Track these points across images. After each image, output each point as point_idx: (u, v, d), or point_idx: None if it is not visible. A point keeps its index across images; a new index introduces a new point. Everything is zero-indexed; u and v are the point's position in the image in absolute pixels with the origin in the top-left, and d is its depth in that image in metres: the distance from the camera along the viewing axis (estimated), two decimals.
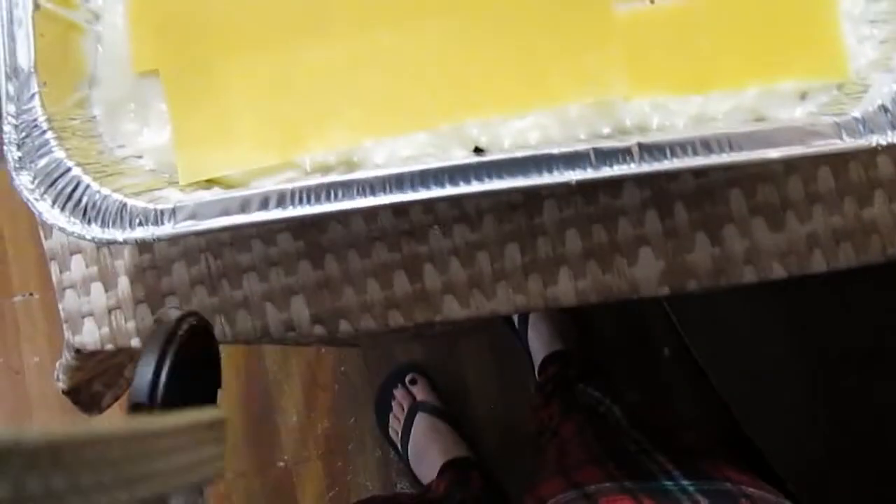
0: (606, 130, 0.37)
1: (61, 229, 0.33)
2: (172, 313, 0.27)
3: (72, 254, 0.42)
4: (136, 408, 0.25)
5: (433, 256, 0.41)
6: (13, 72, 0.34)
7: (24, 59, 0.34)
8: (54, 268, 0.42)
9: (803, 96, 0.37)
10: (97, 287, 0.42)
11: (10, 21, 0.34)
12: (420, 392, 1.07)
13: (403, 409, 1.07)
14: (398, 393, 1.08)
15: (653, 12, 0.37)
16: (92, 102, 0.36)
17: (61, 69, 0.35)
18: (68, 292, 0.42)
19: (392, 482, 1.11)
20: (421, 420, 1.05)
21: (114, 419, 0.19)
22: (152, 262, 0.41)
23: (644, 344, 1.07)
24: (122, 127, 0.37)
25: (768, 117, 0.37)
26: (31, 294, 1.19)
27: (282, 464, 1.11)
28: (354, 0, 0.36)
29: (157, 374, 0.25)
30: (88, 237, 0.32)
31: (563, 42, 0.35)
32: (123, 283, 0.41)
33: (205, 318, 0.28)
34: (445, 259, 0.41)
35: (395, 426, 1.07)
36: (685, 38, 0.36)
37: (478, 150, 0.36)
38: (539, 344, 1.03)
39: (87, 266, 0.42)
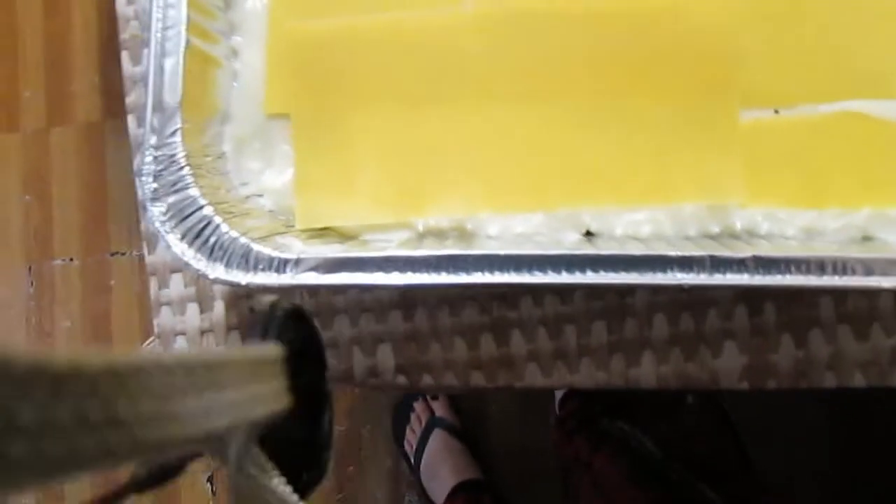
0: (716, 230, 0.37)
1: (187, 265, 0.34)
2: (266, 300, 0.27)
3: (172, 272, 0.43)
4: None
5: (522, 323, 0.42)
6: (158, 105, 0.35)
7: (171, 93, 0.35)
8: (153, 283, 0.43)
9: None
10: (193, 308, 0.43)
11: (162, 53, 0.36)
12: (440, 408, 1.07)
13: (421, 423, 1.07)
14: (418, 406, 1.08)
15: (776, 123, 0.37)
16: (223, 139, 0.38)
17: (200, 105, 0.36)
18: (164, 309, 0.43)
19: (401, 494, 1.12)
20: (437, 436, 1.05)
21: None
22: (248, 292, 0.43)
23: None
24: (247, 164, 0.38)
25: (876, 238, 0.37)
26: (70, 259, 1.21)
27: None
28: (491, 75, 0.37)
29: None
30: (212, 276, 0.33)
31: (688, 144, 0.36)
32: (219, 307, 0.43)
33: (298, 304, 0.27)
34: (534, 328, 0.42)
35: (410, 439, 1.08)
36: (805, 153, 0.37)
37: (588, 234, 0.37)
38: None
39: (185, 286, 0.43)
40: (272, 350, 0.24)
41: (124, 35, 0.46)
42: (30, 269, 1.20)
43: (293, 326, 0.26)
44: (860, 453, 0.94)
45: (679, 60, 0.37)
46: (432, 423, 1.06)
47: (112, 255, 1.19)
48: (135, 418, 0.15)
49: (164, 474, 0.21)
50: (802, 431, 0.95)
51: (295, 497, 0.22)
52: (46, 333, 1.20)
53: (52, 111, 1.22)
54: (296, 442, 0.25)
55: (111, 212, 1.20)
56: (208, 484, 1.08)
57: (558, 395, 1.02)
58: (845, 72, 0.37)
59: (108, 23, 1.21)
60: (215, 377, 0.19)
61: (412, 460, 1.06)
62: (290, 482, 0.23)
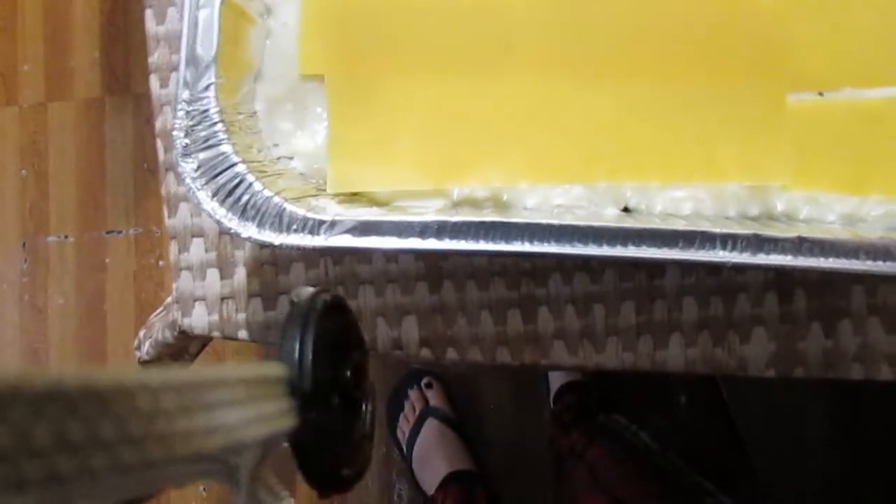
0: (755, 212, 0.37)
1: (218, 222, 0.33)
2: (306, 291, 0.26)
3: (193, 236, 0.42)
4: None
5: (550, 300, 0.41)
6: (192, 58, 0.34)
7: (206, 48, 0.34)
8: (174, 247, 0.42)
9: None
10: (213, 273, 0.42)
11: (196, 5, 0.34)
12: (434, 397, 1.07)
13: (415, 411, 1.07)
14: (412, 394, 1.08)
15: (823, 106, 0.37)
16: (255, 98, 0.37)
17: (234, 61, 0.35)
18: (184, 273, 0.42)
19: (392, 482, 1.11)
20: (430, 425, 1.05)
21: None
22: (272, 259, 0.42)
23: (661, 388, 1.07)
24: (279, 125, 0.37)
25: None
26: (66, 237, 1.19)
27: (286, 444, 1.11)
28: (538, 46, 0.36)
29: (302, 351, 0.24)
30: (244, 235, 0.33)
31: (736, 125, 0.35)
32: (240, 273, 0.42)
33: (339, 294, 0.27)
34: (562, 305, 0.41)
35: (403, 427, 1.07)
36: (850, 138, 0.36)
37: (626, 210, 0.37)
38: (557, 372, 1.03)
39: (206, 251, 0.42)
40: (273, 368, 0.23)
41: None
42: (24, 244, 1.19)
43: (333, 318, 0.26)
44: (862, 454, 0.94)
45: (729, 40, 0.36)
46: (426, 412, 1.06)
47: (108, 233, 1.18)
48: (119, 439, 0.15)
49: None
50: (803, 432, 0.95)
51: None
52: (39, 310, 1.19)
53: (50, 86, 1.20)
54: (335, 437, 0.25)
55: (108, 189, 1.18)
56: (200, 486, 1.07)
57: (553, 388, 1.02)
58: (891, 57, 0.37)
59: None
60: (208, 397, 0.18)
61: (404, 448, 1.06)
62: (330, 479, 0.24)
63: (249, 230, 0.33)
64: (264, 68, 0.37)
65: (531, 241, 0.32)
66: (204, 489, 1.08)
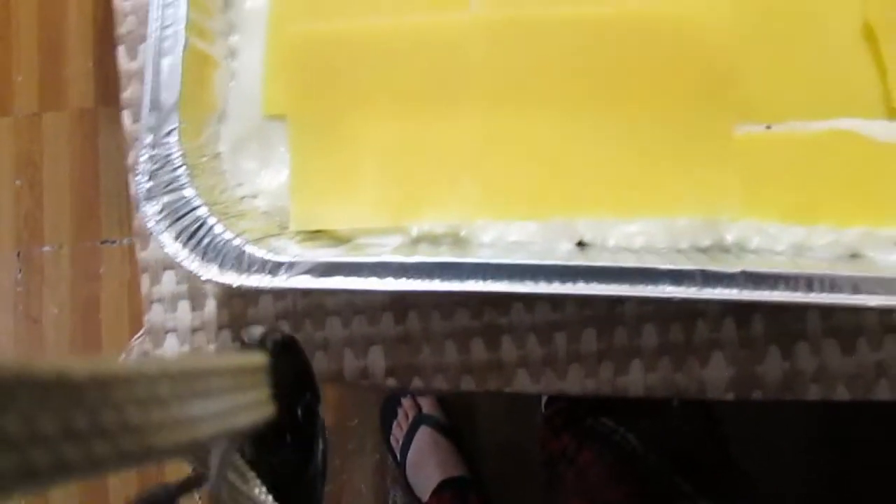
0: (707, 243, 0.38)
1: (180, 264, 0.34)
2: (255, 331, 0.27)
3: (165, 269, 0.43)
4: None
5: (512, 329, 0.42)
6: (155, 104, 0.35)
7: (168, 93, 0.35)
8: (145, 280, 0.43)
9: None
10: (184, 305, 0.43)
11: (159, 52, 0.35)
12: (427, 404, 1.07)
13: (408, 418, 1.08)
14: (405, 401, 1.08)
15: (769, 138, 0.37)
16: (220, 138, 0.38)
17: (198, 104, 0.36)
18: (155, 306, 0.43)
19: (386, 489, 1.12)
20: (423, 432, 1.06)
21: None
22: (241, 291, 0.43)
23: None
24: (243, 165, 0.38)
25: (864, 256, 0.38)
26: (60, 246, 1.20)
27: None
28: (490, 82, 0.37)
29: None
30: (205, 277, 0.34)
31: (683, 158, 0.36)
32: (210, 305, 0.43)
33: (288, 333, 0.27)
34: (524, 334, 0.42)
35: (397, 434, 1.08)
36: (796, 169, 0.37)
37: (580, 244, 0.38)
38: None
39: (177, 283, 0.43)
40: (256, 358, 0.24)
41: (121, 30, 0.46)
42: (18, 254, 1.20)
43: (284, 357, 0.26)
44: (849, 460, 0.95)
45: (676, 72, 0.37)
46: (419, 419, 1.07)
47: (102, 242, 1.19)
48: (120, 428, 0.15)
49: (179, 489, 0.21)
50: (790, 439, 0.96)
51: None
52: (34, 320, 1.20)
53: (44, 96, 1.22)
54: (289, 474, 0.26)
55: (102, 199, 1.19)
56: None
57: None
58: (836, 90, 0.38)
59: (104, 9, 1.20)
60: (199, 386, 0.19)
61: (398, 455, 1.07)
62: None
63: (211, 272, 0.34)
64: (229, 109, 0.38)
65: (484, 280, 0.33)
66: (199, 498, 1.09)
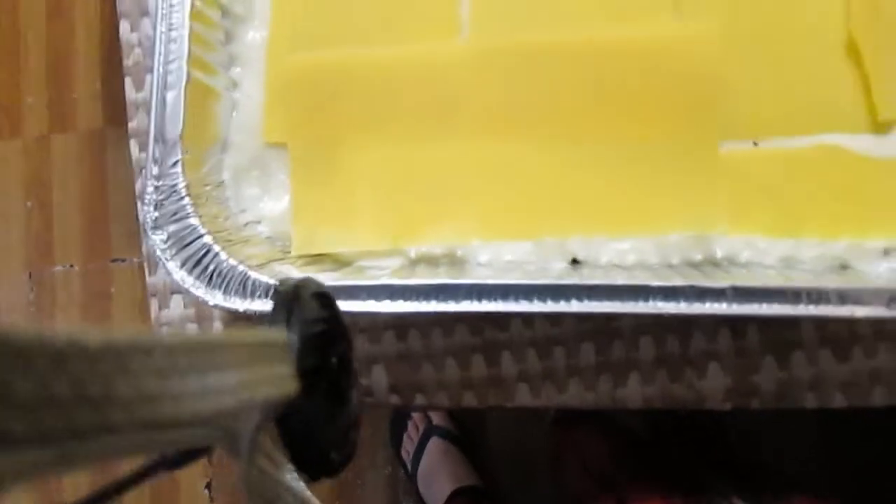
0: (698, 258, 0.38)
1: (186, 291, 0.35)
2: (291, 278, 0.27)
3: (172, 293, 0.45)
4: None
5: (512, 344, 0.43)
6: (160, 136, 0.36)
7: (172, 126, 0.36)
8: (154, 304, 0.45)
9: (887, 252, 0.39)
10: (192, 329, 0.44)
11: (164, 87, 0.37)
12: (436, 415, 1.08)
13: (418, 430, 1.08)
14: (415, 414, 1.09)
15: (756, 154, 0.38)
16: (223, 167, 0.39)
17: (201, 135, 0.38)
18: (164, 329, 0.44)
19: (398, 501, 1.13)
20: (434, 443, 1.06)
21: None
22: (247, 315, 0.44)
23: None
24: (246, 192, 0.39)
25: (852, 267, 0.39)
26: (71, 266, 1.22)
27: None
28: (484, 108, 0.38)
29: (290, 333, 0.23)
30: (211, 303, 0.35)
31: (671, 176, 0.37)
32: (217, 328, 0.44)
33: (322, 285, 0.27)
34: (523, 349, 0.43)
35: (407, 446, 1.09)
36: (783, 184, 0.38)
37: (574, 262, 0.39)
38: None
39: (185, 307, 0.44)
40: (277, 334, 0.23)
41: (128, 62, 0.47)
42: (30, 275, 1.21)
43: (318, 307, 0.26)
44: (851, 462, 0.95)
45: (663, 92, 0.38)
46: (429, 430, 1.07)
47: (113, 261, 1.20)
48: (135, 396, 0.15)
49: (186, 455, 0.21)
50: (793, 441, 0.97)
51: (308, 493, 0.22)
52: None
53: (53, 118, 1.24)
54: (323, 421, 0.25)
55: (112, 218, 1.21)
56: (206, 490, 1.09)
57: None
58: (822, 106, 0.39)
59: (111, 31, 1.22)
60: (218, 358, 0.19)
61: (409, 467, 1.07)
62: (319, 462, 0.23)
63: (216, 297, 0.35)
64: (231, 138, 0.40)
65: (479, 301, 0.34)
66: (210, 494, 1.10)
